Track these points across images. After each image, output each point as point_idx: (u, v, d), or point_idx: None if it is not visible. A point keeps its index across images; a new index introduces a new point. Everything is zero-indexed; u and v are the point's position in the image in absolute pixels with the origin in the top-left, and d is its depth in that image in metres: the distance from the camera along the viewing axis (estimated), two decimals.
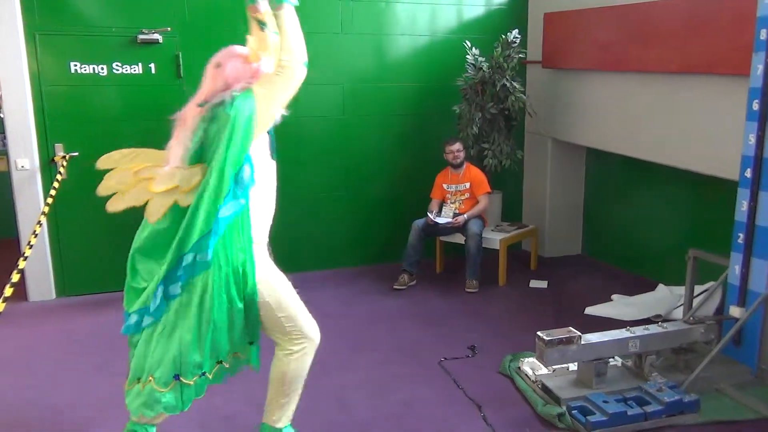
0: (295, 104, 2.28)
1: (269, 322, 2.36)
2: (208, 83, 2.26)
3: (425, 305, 4.37)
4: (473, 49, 4.87)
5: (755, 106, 3.04)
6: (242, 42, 2.39)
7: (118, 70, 4.37)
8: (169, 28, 4.40)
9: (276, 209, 2.43)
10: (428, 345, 3.70)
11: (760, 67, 3.00)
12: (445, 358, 3.49)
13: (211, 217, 2.14)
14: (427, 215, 4.69)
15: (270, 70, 2.27)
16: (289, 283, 2.43)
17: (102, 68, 4.34)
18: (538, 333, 2.98)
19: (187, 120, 2.24)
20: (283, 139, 4.86)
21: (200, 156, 2.20)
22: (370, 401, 3.07)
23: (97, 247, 4.47)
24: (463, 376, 3.29)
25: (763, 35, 2.98)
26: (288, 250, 4.83)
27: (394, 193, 5.22)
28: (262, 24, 2.36)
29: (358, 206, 5.15)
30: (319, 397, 3.05)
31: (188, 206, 2.17)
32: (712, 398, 2.93)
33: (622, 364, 3.21)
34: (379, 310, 4.28)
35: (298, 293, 2.43)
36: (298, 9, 2.27)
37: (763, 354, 3.06)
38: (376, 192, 5.19)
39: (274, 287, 2.36)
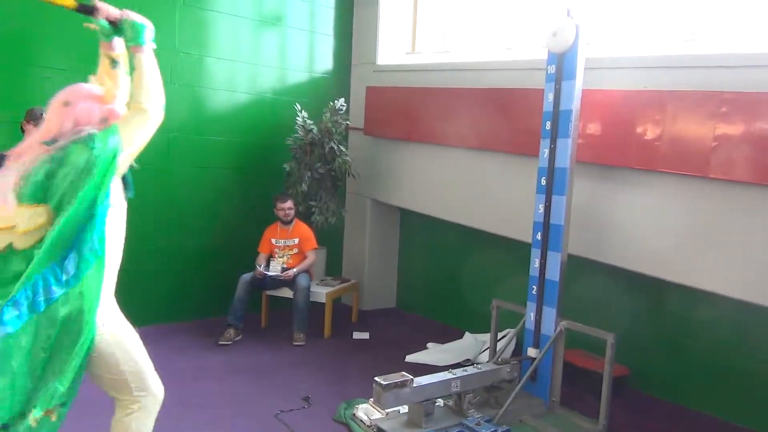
0: None
1: (111, 377, 2.23)
2: (55, 122, 2.15)
3: (254, 359, 4.35)
4: (302, 112, 5.15)
5: (543, 182, 3.74)
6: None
7: None
8: None
9: None
10: (261, 399, 3.70)
11: (546, 151, 3.73)
12: (282, 411, 3.53)
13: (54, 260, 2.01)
14: (257, 268, 4.73)
15: (123, 111, 2.24)
16: (137, 336, 2.34)
17: None
18: (376, 378, 3.21)
19: (25, 157, 2.10)
20: None
21: (39, 197, 2.07)
22: None
23: None
24: (301, 427, 3.36)
25: (548, 126, 3.72)
26: None
27: (218, 247, 5.16)
28: (114, 63, 2.31)
29: (177, 259, 4.97)
30: None
31: (23, 249, 2.02)
32: (517, 428, 3.41)
33: (444, 403, 3.57)
34: (204, 366, 4.15)
35: None
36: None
37: (552, 388, 3.66)
38: (198, 245, 5.07)
39: (122, 339, 2.25)
